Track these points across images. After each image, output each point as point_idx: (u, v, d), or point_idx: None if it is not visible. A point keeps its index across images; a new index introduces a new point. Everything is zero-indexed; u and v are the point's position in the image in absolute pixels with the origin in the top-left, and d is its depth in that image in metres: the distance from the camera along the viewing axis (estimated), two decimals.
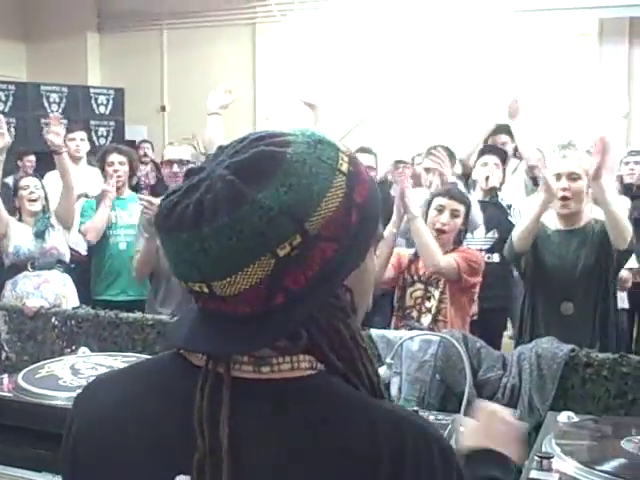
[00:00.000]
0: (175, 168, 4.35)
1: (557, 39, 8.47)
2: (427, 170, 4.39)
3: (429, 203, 3.58)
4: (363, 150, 5.41)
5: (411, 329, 3.31)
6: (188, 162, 4.23)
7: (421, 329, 3.33)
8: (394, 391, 2.91)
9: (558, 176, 3.34)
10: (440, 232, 3.47)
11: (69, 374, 2.40)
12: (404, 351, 2.87)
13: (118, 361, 2.59)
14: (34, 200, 4.46)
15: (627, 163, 5.61)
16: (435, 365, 2.86)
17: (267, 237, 0.83)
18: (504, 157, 4.62)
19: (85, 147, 5.68)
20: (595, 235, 3.36)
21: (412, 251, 3.58)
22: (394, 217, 3.48)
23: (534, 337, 3.15)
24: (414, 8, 8.73)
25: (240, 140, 0.91)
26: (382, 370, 2.45)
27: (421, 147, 7.79)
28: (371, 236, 0.94)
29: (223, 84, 4.34)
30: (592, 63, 8.45)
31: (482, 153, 4.73)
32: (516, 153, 5.29)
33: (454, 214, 3.50)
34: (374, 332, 3.00)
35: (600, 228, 3.37)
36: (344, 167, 0.90)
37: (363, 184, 0.91)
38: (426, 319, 3.46)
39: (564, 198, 3.33)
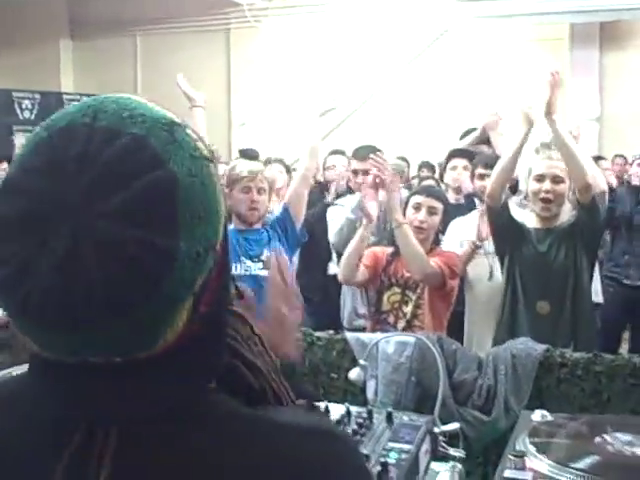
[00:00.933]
0: None
1: (528, 44, 8.55)
2: (355, 172, 4.35)
3: (406, 202, 3.57)
4: (336, 152, 5.43)
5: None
6: None
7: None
8: (370, 394, 2.90)
9: (542, 178, 3.33)
10: (418, 230, 3.47)
11: None
12: (379, 353, 2.86)
13: None
14: None
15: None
16: (411, 367, 2.85)
17: (193, 281, 0.72)
18: (472, 158, 4.62)
19: None
20: (567, 230, 3.37)
21: (389, 250, 3.54)
22: (365, 221, 3.46)
23: (513, 337, 3.17)
24: (384, 13, 8.77)
25: (88, 155, 0.69)
26: (356, 372, 2.44)
27: (393, 150, 7.84)
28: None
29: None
30: (563, 68, 8.53)
31: (450, 157, 4.72)
32: None
33: (431, 211, 3.48)
34: (349, 335, 3.00)
35: (571, 222, 3.37)
36: (203, 149, 0.76)
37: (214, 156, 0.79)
38: (400, 324, 3.45)
39: (546, 200, 3.32)
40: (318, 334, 3.09)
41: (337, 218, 4.17)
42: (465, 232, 3.71)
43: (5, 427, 0.79)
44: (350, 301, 4.15)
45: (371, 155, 3.75)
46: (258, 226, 3.56)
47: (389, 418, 1.97)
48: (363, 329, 3.70)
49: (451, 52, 8.67)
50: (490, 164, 3.76)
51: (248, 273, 3.53)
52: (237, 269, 3.55)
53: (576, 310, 3.34)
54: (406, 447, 1.79)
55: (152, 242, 0.68)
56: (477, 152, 4.69)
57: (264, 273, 3.47)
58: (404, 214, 3.52)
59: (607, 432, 1.83)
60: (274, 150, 8.82)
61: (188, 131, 0.75)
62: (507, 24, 8.41)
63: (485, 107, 5.06)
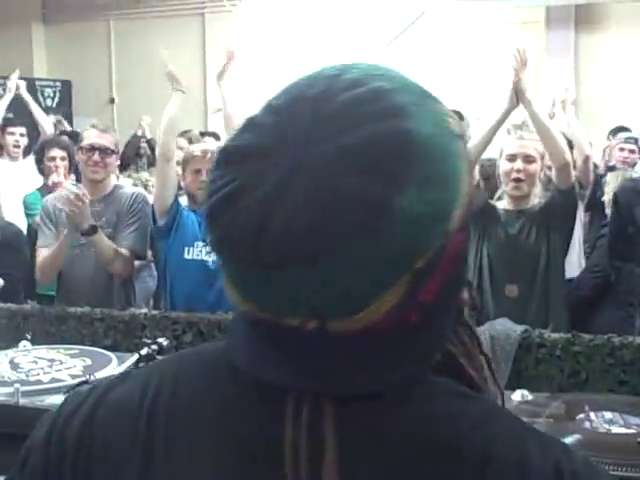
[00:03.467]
0: (96, 157, 3.64)
1: (505, 27, 8.54)
2: None
3: None
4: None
5: None
6: (112, 152, 3.71)
7: None
8: None
9: (513, 157, 3.33)
10: None
11: (8, 369, 2.34)
12: None
13: (61, 354, 2.53)
14: None
15: (622, 150, 5.49)
16: None
17: (412, 253, 0.64)
18: None
19: (24, 143, 5.60)
20: (538, 212, 3.36)
21: None
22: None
23: (482, 320, 3.17)
24: None
25: (325, 96, 0.67)
26: None
27: None
28: None
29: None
30: (539, 51, 8.54)
31: None
32: None
33: None
34: None
35: (543, 203, 3.38)
36: (456, 127, 0.70)
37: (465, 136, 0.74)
38: None
39: (517, 180, 3.32)
40: None
41: None
42: None
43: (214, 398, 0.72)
44: None
45: None
46: None
47: None
48: None
49: (428, 35, 8.65)
50: None
51: (199, 258, 3.50)
52: (189, 253, 3.53)
53: (547, 294, 3.34)
54: None
55: (366, 191, 0.61)
56: None
57: (212, 257, 3.44)
58: None
59: (588, 411, 1.83)
60: None
61: (441, 106, 0.70)
62: (484, 7, 8.40)
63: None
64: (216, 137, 7.10)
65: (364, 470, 0.66)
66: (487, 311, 3.28)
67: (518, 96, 3.29)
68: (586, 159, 3.83)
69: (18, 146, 5.56)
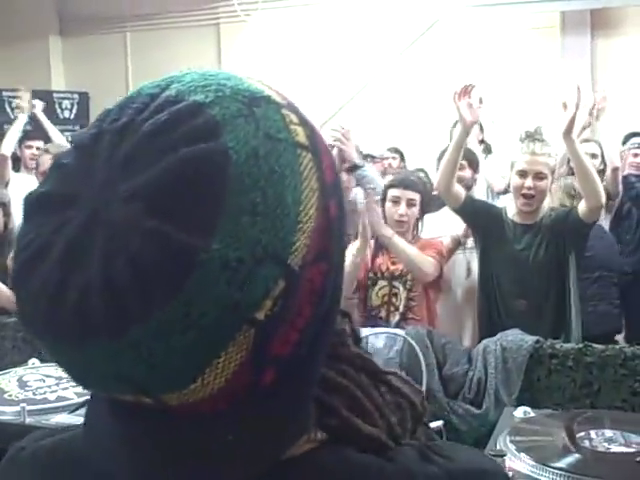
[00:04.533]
0: None
1: (519, 33, 8.52)
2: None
3: (384, 195, 3.56)
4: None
5: None
6: None
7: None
8: None
9: (524, 173, 3.31)
10: (399, 224, 3.46)
11: (16, 387, 2.35)
12: (369, 348, 2.85)
13: None
14: None
15: (636, 155, 5.30)
16: (400, 362, 2.85)
17: (242, 305, 0.53)
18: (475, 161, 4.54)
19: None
20: (549, 225, 3.35)
21: (371, 244, 3.52)
22: (360, 242, 3.33)
23: (493, 334, 3.17)
24: (375, 3, 8.74)
25: (132, 125, 0.57)
26: None
27: (388, 144, 7.82)
28: (346, 223, 0.63)
29: None
30: (554, 56, 8.50)
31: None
32: None
33: (410, 203, 3.48)
34: None
35: (554, 216, 3.36)
36: (301, 134, 0.59)
37: (326, 151, 0.61)
38: (395, 318, 3.43)
39: (529, 196, 3.31)
40: None
41: None
42: (441, 227, 3.70)
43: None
44: None
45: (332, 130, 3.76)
46: None
47: None
48: None
49: (443, 41, 8.64)
50: (468, 157, 3.74)
51: None
52: None
53: (558, 308, 3.33)
54: None
55: (169, 237, 0.51)
56: None
57: None
58: (383, 207, 3.51)
59: (589, 429, 1.81)
60: None
61: (285, 111, 0.59)
62: (499, 13, 8.38)
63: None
64: None
65: None
66: (500, 326, 3.28)
67: (566, 132, 3.17)
68: (614, 170, 3.80)
69: (35, 159, 5.60)
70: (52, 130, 6.11)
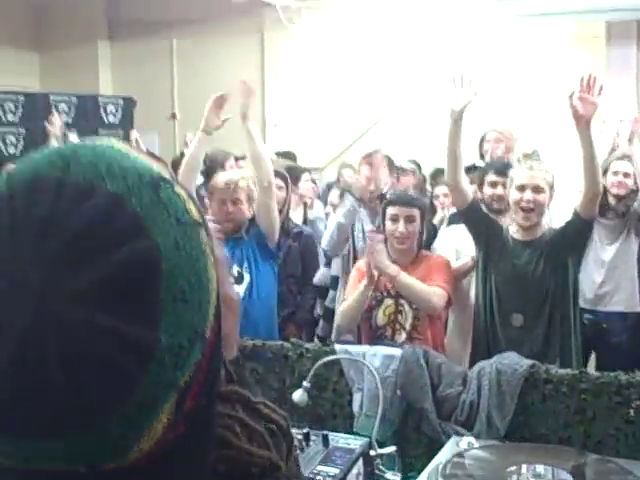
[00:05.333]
0: None
1: (564, 43, 8.43)
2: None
3: (383, 213, 3.57)
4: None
5: None
6: None
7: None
8: (356, 407, 2.92)
9: (523, 187, 3.34)
10: (399, 241, 3.47)
11: None
12: (366, 367, 2.87)
13: None
14: None
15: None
16: (396, 381, 2.87)
17: (175, 380, 0.60)
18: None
19: None
20: (549, 240, 3.37)
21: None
22: (366, 281, 3.37)
23: (489, 347, 3.17)
24: (421, 13, 8.73)
25: (52, 221, 0.58)
26: (298, 394, 2.44)
27: (432, 150, 7.79)
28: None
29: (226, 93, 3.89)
30: (600, 66, 8.38)
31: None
32: None
33: (409, 220, 3.47)
34: (337, 347, 3.02)
35: (553, 233, 3.38)
36: (194, 211, 0.64)
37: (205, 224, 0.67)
38: (401, 337, 3.44)
39: (528, 210, 3.33)
40: (307, 345, 3.12)
41: (329, 224, 4.16)
42: (461, 241, 3.69)
43: None
44: None
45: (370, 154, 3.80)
46: (238, 235, 3.59)
47: (325, 441, 1.99)
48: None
49: (490, 52, 8.59)
50: (502, 171, 3.73)
51: None
52: None
53: (554, 323, 3.33)
54: (333, 471, 1.81)
55: (125, 335, 0.55)
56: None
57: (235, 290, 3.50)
58: (383, 226, 3.53)
59: (523, 462, 1.82)
60: (306, 150, 8.88)
61: (177, 189, 0.63)
62: (545, 23, 8.30)
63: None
64: (291, 157, 7.19)
65: None
66: (497, 338, 3.30)
67: (577, 120, 3.19)
68: None
69: None
70: None
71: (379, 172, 3.96)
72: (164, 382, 0.58)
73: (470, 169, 4.65)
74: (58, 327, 0.54)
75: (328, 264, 4.39)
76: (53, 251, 0.56)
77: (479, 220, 3.44)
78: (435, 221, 4.66)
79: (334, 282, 4.34)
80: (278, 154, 7.72)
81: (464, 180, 3.43)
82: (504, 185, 3.92)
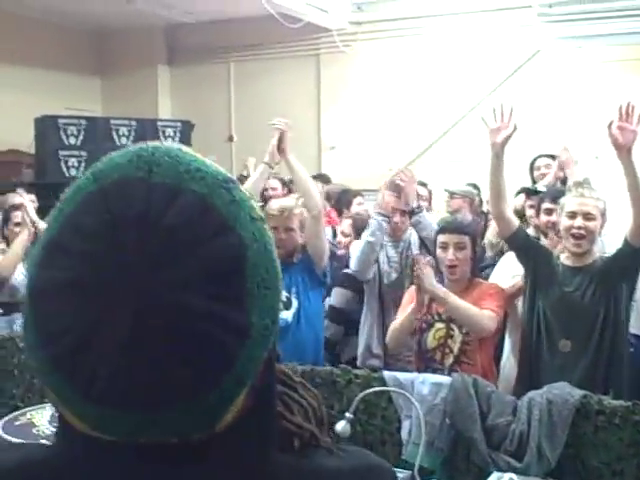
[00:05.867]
0: None
1: (609, 65, 8.30)
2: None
3: (434, 241, 3.57)
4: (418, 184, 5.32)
5: (434, 372, 3.28)
6: None
7: (444, 371, 3.31)
8: (404, 434, 2.91)
9: (574, 214, 3.31)
10: (451, 269, 3.46)
11: (46, 422, 2.49)
12: (415, 394, 2.87)
13: None
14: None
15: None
16: (445, 409, 2.85)
17: (259, 363, 0.69)
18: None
19: None
20: (600, 267, 3.33)
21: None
22: (415, 304, 3.39)
23: (535, 374, 3.14)
24: (472, 38, 8.72)
25: (148, 219, 0.64)
26: (341, 425, 2.44)
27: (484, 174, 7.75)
28: None
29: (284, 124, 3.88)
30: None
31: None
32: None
33: (459, 247, 3.46)
34: (386, 374, 3.02)
35: (604, 261, 3.34)
36: (256, 208, 0.72)
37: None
38: (449, 360, 3.42)
39: (578, 237, 3.30)
40: (356, 372, 3.12)
41: (353, 251, 4.11)
42: (518, 266, 3.66)
43: None
44: (364, 340, 4.06)
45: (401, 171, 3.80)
46: (288, 261, 3.62)
47: None
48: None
49: (538, 75, 8.54)
50: (558, 198, 3.70)
51: None
52: None
53: (602, 350, 3.29)
54: None
55: (225, 317, 0.63)
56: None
57: (281, 315, 3.52)
58: (434, 254, 3.52)
59: None
60: (362, 173, 8.91)
61: (242, 189, 0.71)
62: (590, 45, 8.22)
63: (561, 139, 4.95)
64: (324, 179, 7.25)
65: None
66: (543, 364, 3.26)
67: (617, 149, 3.19)
68: None
69: None
70: None
71: (409, 188, 3.96)
72: (254, 358, 0.66)
73: (529, 192, 4.64)
74: (166, 310, 0.61)
75: (328, 294, 4.31)
76: (154, 245, 0.63)
77: (526, 247, 3.42)
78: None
79: (332, 312, 4.27)
80: (315, 177, 7.77)
81: (508, 210, 3.42)
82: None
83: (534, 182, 5.21)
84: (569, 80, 8.35)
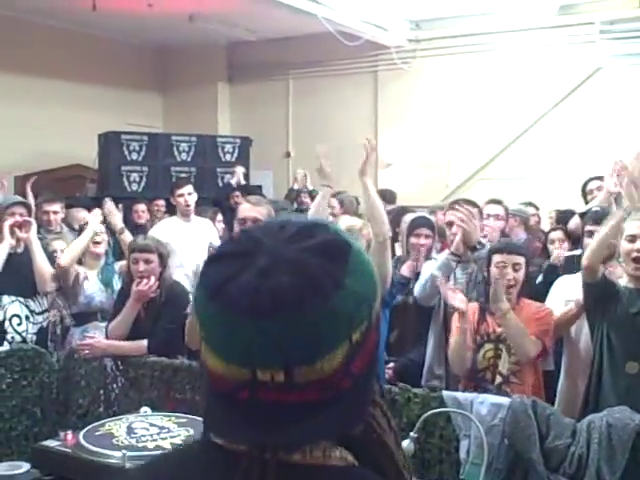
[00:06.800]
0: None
1: None
2: (450, 224, 4.12)
3: (488, 260, 3.58)
4: (492, 201, 5.30)
5: (485, 391, 3.29)
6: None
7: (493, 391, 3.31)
8: (463, 453, 2.93)
9: (634, 238, 3.28)
10: (508, 289, 3.47)
11: (124, 433, 2.58)
12: (473, 414, 2.89)
13: (171, 422, 2.75)
14: (98, 243, 4.67)
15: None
16: (504, 430, 2.87)
17: (353, 322, 0.87)
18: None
19: (193, 200, 5.88)
20: None
21: (474, 306, 3.55)
22: (457, 315, 3.46)
23: (600, 397, 3.11)
24: (534, 54, 8.70)
25: (283, 225, 0.94)
26: (405, 443, 2.47)
27: (541, 191, 7.72)
28: None
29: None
30: None
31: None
32: None
33: (516, 268, 3.49)
34: (445, 394, 3.05)
35: None
36: (373, 269, 0.97)
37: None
38: (498, 380, 3.43)
39: (639, 260, 3.27)
40: (415, 391, 3.15)
41: (425, 272, 4.09)
42: (572, 291, 3.65)
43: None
44: (428, 361, 4.04)
45: (455, 206, 3.80)
46: None
47: None
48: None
49: (598, 92, 8.48)
50: (600, 221, 3.68)
51: None
52: None
53: None
54: None
55: (327, 268, 0.86)
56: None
57: None
58: (488, 272, 3.53)
59: None
60: (418, 189, 8.94)
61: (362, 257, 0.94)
62: None
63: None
64: (388, 199, 7.27)
65: None
66: (607, 387, 3.23)
67: None
68: None
69: (189, 205, 5.85)
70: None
71: (472, 226, 3.92)
72: (345, 313, 0.86)
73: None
74: (287, 259, 0.87)
75: None
76: (285, 235, 0.91)
77: (602, 296, 3.38)
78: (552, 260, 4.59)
79: None
80: (379, 191, 7.81)
81: (601, 267, 3.38)
82: None
83: (586, 203, 5.17)
84: (630, 97, 8.28)
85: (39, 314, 4.50)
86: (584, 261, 3.37)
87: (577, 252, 4.34)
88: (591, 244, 3.41)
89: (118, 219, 5.09)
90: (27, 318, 4.42)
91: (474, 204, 4.25)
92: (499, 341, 3.45)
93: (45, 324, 4.51)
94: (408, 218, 4.76)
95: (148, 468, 1.02)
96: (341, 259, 0.88)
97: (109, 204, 5.15)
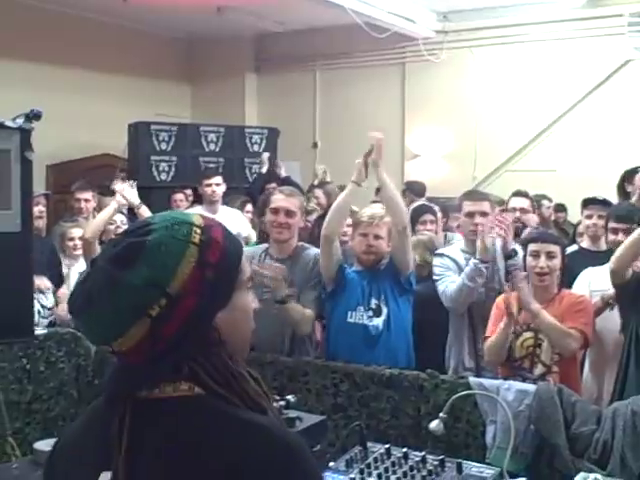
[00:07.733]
0: (281, 218, 3.89)
1: None
2: (471, 215, 4.04)
3: (524, 251, 3.63)
4: (518, 194, 5.29)
5: (523, 380, 3.34)
6: (294, 214, 3.91)
7: (533, 380, 3.36)
8: (489, 439, 3.00)
9: None
10: (540, 276, 3.51)
11: None
12: (500, 399, 2.95)
13: None
14: (119, 227, 4.78)
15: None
16: (530, 415, 2.93)
17: (139, 305, 1.14)
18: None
19: (221, 191, 5.96)
20: None
21: (514, 295, 3.50)
22: (506, 318, 3.43)
23: (626, 391, 3.15)
24: (565, 46, 8.69)
25: (119, 235, 1.24)
26: (435, 423, 2.54)
27: (573, 180, 7.73)
28: (232, 283, 1.21)
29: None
30: None
31: (585, 204, 4.66)
32: None
33: (550, 255, 3.52)
34: (472, 380, 3.11)
35: None
36: (196, 239, 1.18)
37: (215, 246, 1.19)
38: (538, 370, 3.47)
39: None
40: (443, 377, 3.22)
41: (445, 274, 3.99)
42: (598, 283, 3.68)
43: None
44: (456, 353, 4.01)
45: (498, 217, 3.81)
46: (376, 268, 3.72)
47: (459, 468, 2.09)
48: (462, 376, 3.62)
49: (627, 84, 8.46)
50: (623, 217, 3.71)
51: (360, 322, 3.69)
52: (351, 316, 3.71)
53: None
54: None
55: (112, 272, 1.15)
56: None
57: (372, 322, 3.64)
58: (524, 263, 3.58)
59: None
60: (445, 182, 8.97)
61: (196, 229, 1.19)
62: None
63: None
64: (417, 192, 7.31)
65: (145, 459, 1.12)
66: (631, 382, 3.27)
67: None
68: None
69: (215, 195, 5.94)
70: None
71: (507, 234, 3.87)
72: (127, 302, 1.14)
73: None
74: (94, 271, 1.19)
75: None
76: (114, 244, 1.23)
77: (635, 289, 3.41)
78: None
79: None
80: (407, 183, 7.87)
81: (630, 268, 3.42)
82: (625, 232, 3.87)
83: (626, 197, 5.13)
84: None
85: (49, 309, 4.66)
86: (611, 265, 3.40)
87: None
88: (619, 249, 3.43)
89: (133, 195, 5.13)
90: (38, 312, 4.47)
91: (486, 197, 4.23)
92: (539, 330, 3.48)
93: (53, 319, 4.64)
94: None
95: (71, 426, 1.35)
96: (129, 259, 1.15)
97: (119, 183, 5.19)
